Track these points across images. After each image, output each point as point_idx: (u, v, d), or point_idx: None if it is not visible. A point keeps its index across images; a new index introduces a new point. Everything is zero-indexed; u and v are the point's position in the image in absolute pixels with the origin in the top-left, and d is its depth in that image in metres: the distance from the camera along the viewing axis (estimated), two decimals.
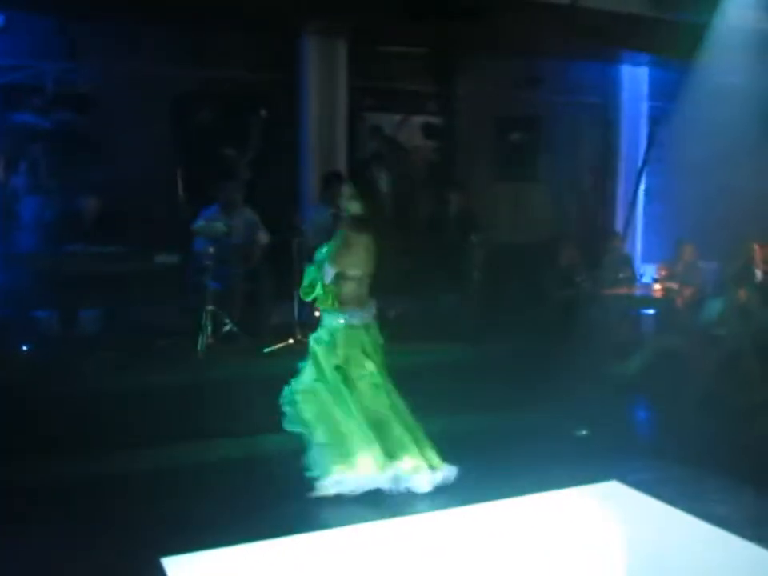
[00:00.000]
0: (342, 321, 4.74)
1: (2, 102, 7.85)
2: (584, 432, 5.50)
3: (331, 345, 4.75)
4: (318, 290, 4.70)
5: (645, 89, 10.70)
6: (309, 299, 4.84)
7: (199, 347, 7.05)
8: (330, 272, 4.65)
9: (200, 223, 7.39)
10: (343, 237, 4.81)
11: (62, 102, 8.11)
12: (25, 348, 6.90)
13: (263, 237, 7.77)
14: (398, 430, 4.61)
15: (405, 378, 6.39)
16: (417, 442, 4.61)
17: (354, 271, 4.73)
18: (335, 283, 4.72)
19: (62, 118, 8.15)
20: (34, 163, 8.04)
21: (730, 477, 4.58)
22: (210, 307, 7.18)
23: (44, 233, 7.82)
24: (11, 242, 7.87)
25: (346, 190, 4.85)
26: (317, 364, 4.78)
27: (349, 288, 4.74)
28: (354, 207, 4.83)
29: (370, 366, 4.78)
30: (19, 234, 7.91)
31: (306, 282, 4.81)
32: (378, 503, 4.33)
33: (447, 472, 4.55)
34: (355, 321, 4.78)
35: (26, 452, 4.99)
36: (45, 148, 8.07)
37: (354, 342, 4.79)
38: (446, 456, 4.71)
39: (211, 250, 7.24)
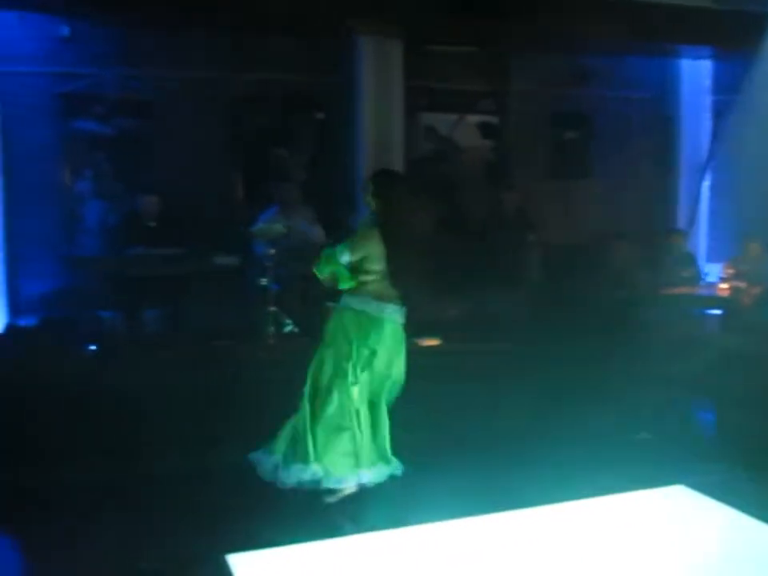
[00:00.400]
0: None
1: (67, 109, 8.07)
2: (645, 435, 5.43)
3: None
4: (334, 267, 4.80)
5: (707, 82, 10.46)
6: (324, 274, 4.90)
7: (260, 348, 7.14)
8: (343, 258, 4.74)
9: (259, 225, 7.47)
10: (360, 229, 4.89)
11: (123, 108, 8.28)
12: (91, 348, 7.06)
13: (319, 237, 7.82)
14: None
15: (461, 379, 6.42)
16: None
17: (368, 264, 4.77)
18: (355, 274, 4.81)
19: (124, 124, 8.33)
20: (98, 169, 8.24)
21: None
22: (270, 308, 7.27)
23: (107, 236, 8.01)
24: (77, 245, 8.08)
25: (368, 186, 4.91)
26: None
27: (367, 280, 4.80)
28: (369, 203, 4.89)
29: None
30: (84, 238, 8.12)
31: (322, 258, 4.90)
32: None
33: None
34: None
35: (93, 450, 5.10)
36: (107, 154, 8.26)
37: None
38: (505, 458, 4.69)
39: (271, 251, 7.32)
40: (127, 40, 8.04)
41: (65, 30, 7.80)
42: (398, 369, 4.80)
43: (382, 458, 4.66)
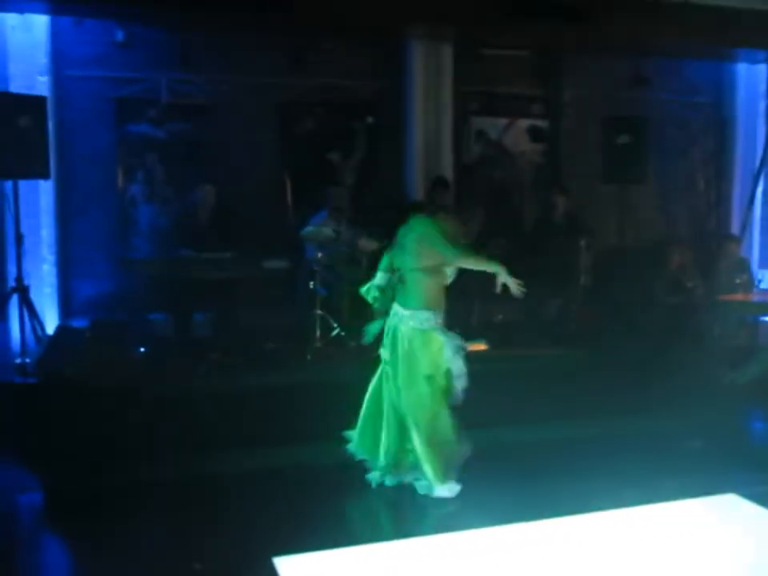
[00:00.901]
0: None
1: (121, 113, 8.19)
2: (698, 443, 5.34)
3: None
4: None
5: (763, 87, 10.28)
6: None
7: (308, 351, 7.18)
8: None
9: (309, 229, 7.50)
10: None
11: (176, 112, 8.39)
12: (142, 350, 7.16)
13: (369, 245, 7.83)
14: None
15: (510, 383, 6.37)
16: None
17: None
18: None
19: (176, 128, 8.43)
20: (150, 172, 8.36)
21: None
22: (318, 312, 7.30)
23: (159, 238, 8.12)
24: (129, 247, 8.21)
25: None
26: None
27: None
28: None
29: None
30: (136, 240, 8.25)
31: None
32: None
33: None
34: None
35: (141, 452, 5.17)
36: (160, 157, 8.37)
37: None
38: (553, 463, 4.64)
39: (320, 255, 7.35)
40: (181, 44, 8.14)
41: (120, 35, 7.92)
42: None
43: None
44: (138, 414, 5.57)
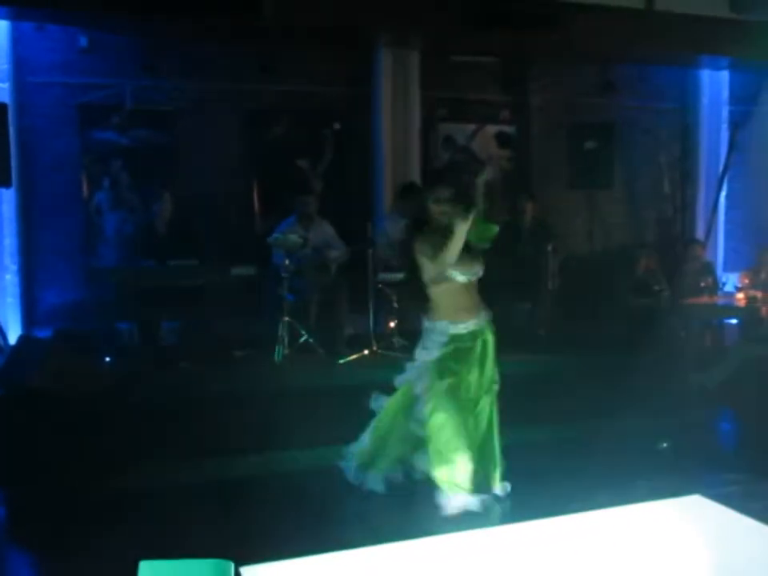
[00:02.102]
0: None
1: (85, 120, 8.11)
2: (665, 444, 5.37)
3: None
4: None
5: (725, 93, 10.43)
6: None
7: (276, 358, 7.15)
8: None
9: (276, 236, 7.48)
10: None
11: (141, 119, 8.32)
12: (107, 359, 7.09)
13: (338, 250, 7.83)
14: None
15: None
16: None
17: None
18: None
19: (141, 134, 8.37)
20: (115, 179, 8.29)
21: None
22: (286, 319, 7.28)
23: (125, 246, 8.05)
24: (95, 255, 8.13)
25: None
26: None
27: None
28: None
29: None
30: (102, 248, 8.17)
31: None
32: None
33: None
34: None
35: (108, 463, 5.10)
36: (125, 164, 8.30)
37: None
38: (521, 468, 4.64)
39: (287, 262, 7.33)
40: (146, 50, 8.10)
41: (83, 41, 7.86)
42: None
43: None
44: (105, 425, 5.50)
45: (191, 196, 8.10)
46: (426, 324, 4.64)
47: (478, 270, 4.64)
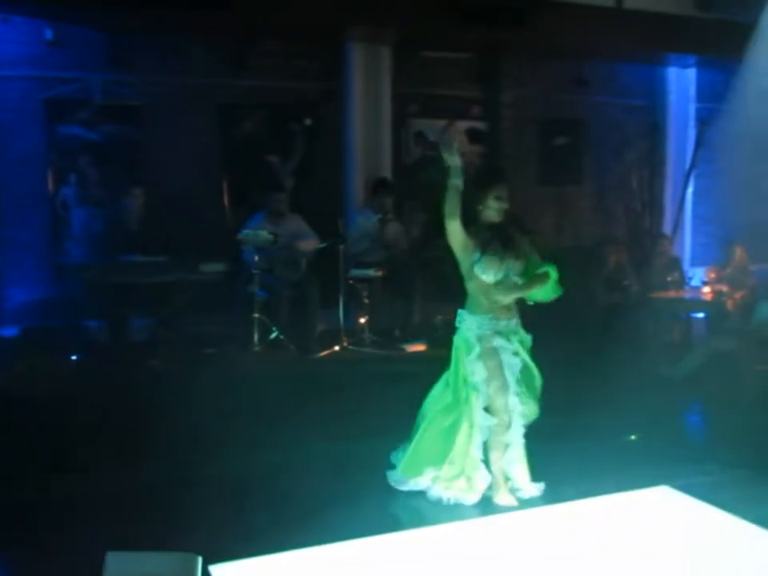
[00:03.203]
0: None
1: (52, 114, 8.02)
2: (633, 437, 5.42)
3: None
4: None
5: (692, 90, 10.56)
6: None
7: (246, 355, 7.12)
8: None
9: (246, 232, 7.44)
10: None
11: (110, 113, 8.25)
12: (74, 357, 7.02)
13: (309, 244, 7.81)
14: None
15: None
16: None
17: None
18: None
19: (110, 129, 8.29)
20: (83, 175, 8.21)
21: None
22: (256, 315, 7.25)
23: (93, 243, 7.97)
24: (62, 251, 8.05)
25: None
26: None
27: None
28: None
29: None
30: (69, 244, 8.08)
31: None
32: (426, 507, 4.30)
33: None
34: None
35: (75, 463, 5.05)
36: (93, 160, 8.22)
37: None
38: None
39: (257, 258, 7.30)
40: (115, 44, 8.02)
41: (49, 33, 7.76)
42: None
43: None
44: (72, 424, 5.45)
45: (160, 192, 8.04)
46: (459, 313, 4.51)
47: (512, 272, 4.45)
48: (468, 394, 4.36)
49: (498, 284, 4.37)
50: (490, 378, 4.31)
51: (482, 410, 4.34)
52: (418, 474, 4.48)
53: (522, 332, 4.53)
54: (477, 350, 4.34)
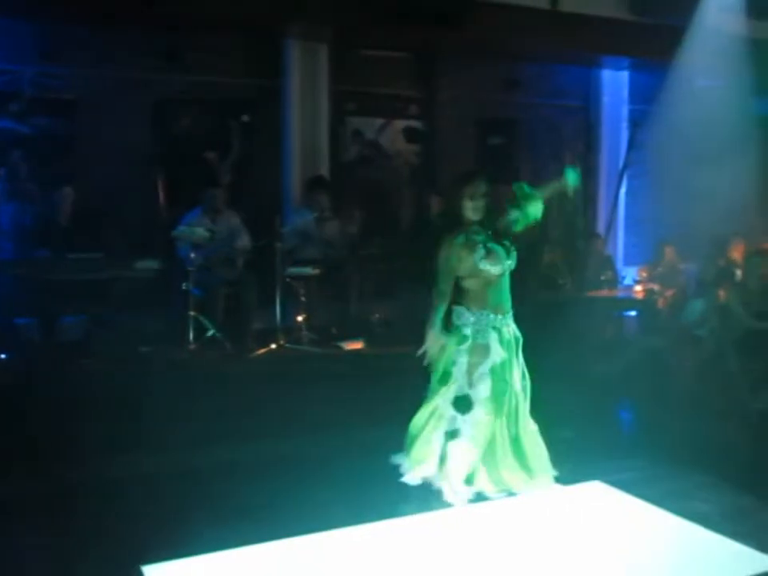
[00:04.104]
0: None
1: None
2: (567, 433, 5.50)
3: None
4: None
5: (625, 92, 10.78)
6: None
7: (181, 353, 7.04)
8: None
9: (181, 228, 7.36)
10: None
11: (41, 107, 8.07)
12: (3, 356, 6.86)
13: (245, 242, 7.76)
14: None
15: (388, 380, 6.43)
16: None
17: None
18: None
19: (42, 123, 8.12)
20: (13, 169, 8.00)
21: (712, 475, 4.60)
22: (192, 313, 7.18)
23: (23, 239, 7.77)
24: None
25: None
26: None
27: None
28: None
29: None
30: None
31: None
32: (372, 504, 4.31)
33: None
34: None
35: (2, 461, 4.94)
36: (24, 154, 8.03)
37: None
38: None
39: (193, 255, 7.23)
40: (47, 36, 7.85)
41: None
42: None
43: None
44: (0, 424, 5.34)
45: (94, 187, 7.91)
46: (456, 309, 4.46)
47: (511, 263, 4.44)
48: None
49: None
50: (468, 373, 4.34)
51: (450, 401, 4.35)
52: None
53: (515, 329, 4.55)
54: (468, 342, 4.35)
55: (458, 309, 4.42)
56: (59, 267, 6.99)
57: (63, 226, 7.37)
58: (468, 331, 4.37)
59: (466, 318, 4.39)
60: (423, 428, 4.46)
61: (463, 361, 4.36)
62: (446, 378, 4.44)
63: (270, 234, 7.53)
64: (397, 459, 4.56)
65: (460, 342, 4.37)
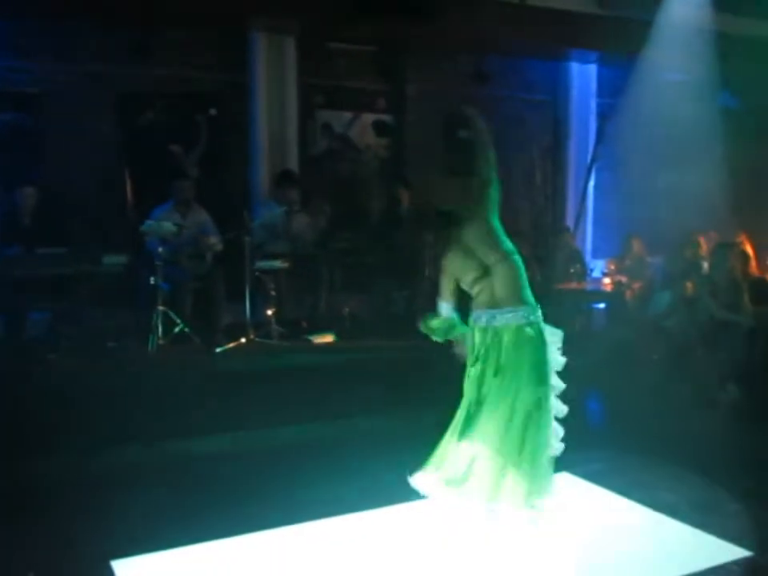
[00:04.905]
0: None
1: None
2: None
3: None
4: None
5: (593, 85, 10.83)
6: None
7: (150, 348, 6.99)
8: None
9: (150, 223, 7.30)
10: None
11: (5, 101, 7.96)
12: None
13: (214, 241, 7.71)
14: None
15: (355, 375, 6.44)
16: None
17: None
18: None
19: (5, 118, 8.01)
20: None
21: (679, 466, 4.65)
22: (160, 308, 7.12)
23: None
24: None
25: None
26: None
27: None
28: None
29: None
30: None
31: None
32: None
33: None
34: None
35: None
36: None
37: None
38: (389, 454, 4.64)
39: (161, 250, 7.17)
40: (10, 29, 7.74)
41: None
42: None
43: None
44: None
45: (59, 181, 7.83)
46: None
47: None
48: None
49: None
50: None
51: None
52: None
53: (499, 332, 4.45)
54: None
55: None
56: (25, 263, 6.90)
57: (28, 220, 7.27)
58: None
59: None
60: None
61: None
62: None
63: (238, 228, 7.48)
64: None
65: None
